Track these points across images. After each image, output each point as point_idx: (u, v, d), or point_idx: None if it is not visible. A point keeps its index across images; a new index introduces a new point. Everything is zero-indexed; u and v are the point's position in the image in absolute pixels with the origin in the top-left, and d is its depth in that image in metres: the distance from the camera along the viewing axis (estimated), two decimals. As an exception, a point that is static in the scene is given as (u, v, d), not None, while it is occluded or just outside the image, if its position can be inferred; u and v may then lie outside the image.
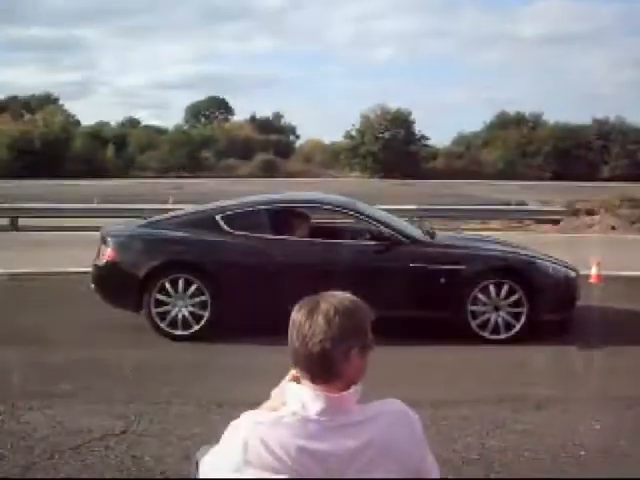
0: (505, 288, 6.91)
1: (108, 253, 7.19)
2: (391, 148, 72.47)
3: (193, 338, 7.03)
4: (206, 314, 7.04)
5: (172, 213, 7.91)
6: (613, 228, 18.89)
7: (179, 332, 7.10)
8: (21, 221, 19.41)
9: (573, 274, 7.26)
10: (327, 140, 79.88)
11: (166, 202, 19.81)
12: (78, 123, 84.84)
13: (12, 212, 19.69)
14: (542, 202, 24.30)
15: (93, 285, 7.44)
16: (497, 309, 6.98)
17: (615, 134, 66.38)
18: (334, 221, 8.65)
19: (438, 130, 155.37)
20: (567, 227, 19.50)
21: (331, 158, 77.10)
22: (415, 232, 7.44)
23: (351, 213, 7.32)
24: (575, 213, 20.35)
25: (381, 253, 7.04)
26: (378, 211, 8.06)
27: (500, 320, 6.96)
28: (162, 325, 7.08)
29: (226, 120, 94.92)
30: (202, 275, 7.01)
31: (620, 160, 64.53)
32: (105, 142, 72.24)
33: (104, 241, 7.36)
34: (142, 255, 7.16)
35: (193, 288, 7.03)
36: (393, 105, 75.64)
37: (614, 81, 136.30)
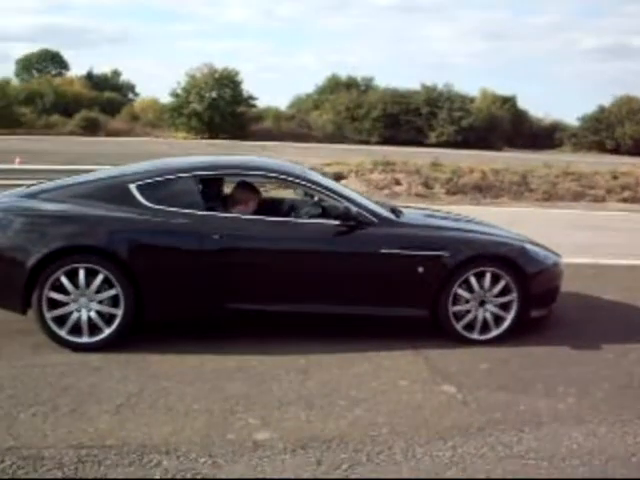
0: (487, 277, 5.66)
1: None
2: (217, 108, 70.88)
3: (105, 346, 5.23)
4: (119, 312, 5.25)
5: (66, 179, 5.93)
6: None
7: (85, 339, 5.27)
8: None
9: (559, 260, 6.13)
10: (165, 100, 76.15)
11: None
12: None
13: None
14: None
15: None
16: (483, 303, 5.73)
17: (442, 101, 68.04)
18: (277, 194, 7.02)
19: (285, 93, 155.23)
20: None
21: (159, 118, 73.98)
22: (382, 209, 6.00)
23: (303, 184, 5.74)
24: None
25: (345, 235, 5.55)
26: (335, 183, 6.52)
27: (489, 316, 5.74)
28: (61, 333, 5.26)
29: (59, 75, 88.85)
30: (110, 262, 5.21)
31: (446, 126, 66.30)
32: None
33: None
34: (25, 239, 5.25)
35: (99, 280, 5.22)
36: (220, 65, 73.66)
37: (461, 52, 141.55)
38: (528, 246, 5.98)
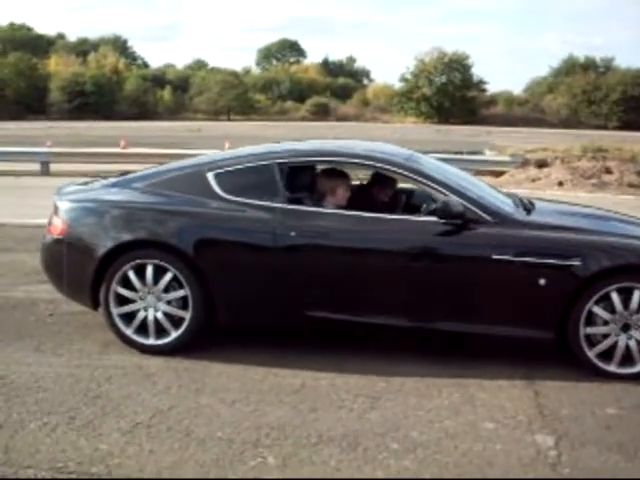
0: (636, 295, 4.43)
1: (58, 226, 4.94)
2: (446, 93, 69.79)
3: (173, 350, 4.74)
4: (187, 315, 4.74)
5: (151, 168, 5.51)
6: (560, 184, 15.90)
7: (151, 341, 4.82)
8: (52, 167, 18.10)
9: None
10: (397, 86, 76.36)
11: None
12: (145, 65, 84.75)
13: (43, 156, 18.47)
14: (499, 153, 21.52)
15: (43, 270, 5.21)
16: (627, 328, 4.52)
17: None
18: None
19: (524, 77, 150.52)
20: (509, 180, 16.54)
21: (389, 103, 74.40)
22: (504, 205, 4.95)
23: (403, 173, 4.84)
24: (524, 164, 17.53)
25: (450, 236, 4.60)
26: (450, 169, 5.52)
27: (633, 344, 4.52)
28: (127, 332, 4.82)
29: (297, 62, 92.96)
30: (178, 259, 4.69)
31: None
32: (165, 84, 71.95)
33: (55, 208, 5.09)
34: (97, 231, 4.87)
35: (167, 278, 4.73)
36: (450, 49, 72.32)
37: None
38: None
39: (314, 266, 4.70)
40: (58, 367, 4.54)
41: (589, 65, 71.39)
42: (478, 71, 72.65)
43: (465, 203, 4.59)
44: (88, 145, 22.73)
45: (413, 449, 3.51)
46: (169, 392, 4.16)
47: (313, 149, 5.34)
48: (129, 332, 4.85)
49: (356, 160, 5.02)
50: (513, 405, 4.06)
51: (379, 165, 4.91)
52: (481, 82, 74.12)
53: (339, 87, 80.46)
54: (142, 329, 4.84)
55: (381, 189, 5.71)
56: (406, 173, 4.82)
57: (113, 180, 5.43)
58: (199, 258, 4.71)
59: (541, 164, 17.01)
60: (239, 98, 68.98)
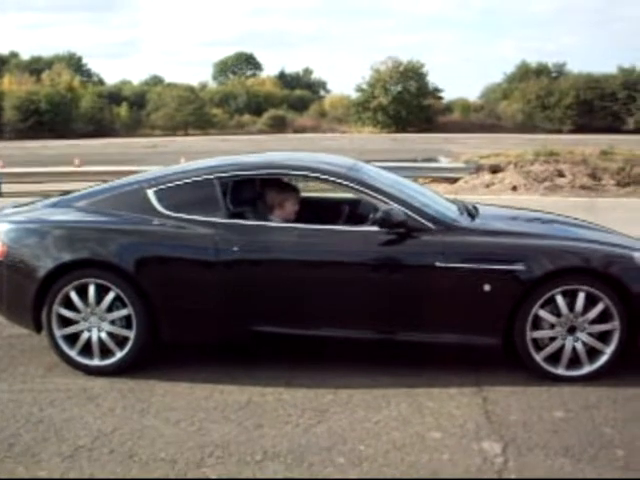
0: (580, 297, 4.46)
1: (-3, 248, 4.83)
2: (402, 101, 70.31)
3: (118, 370, 4.64)
4: (132, 334, 4.64)
5: (92, 187, 5.41)
6: (514, 188, 16.19)
7: (95, 362, 4.72)
8: (4, 187, 17.71)
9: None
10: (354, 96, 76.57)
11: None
12: (101, 82, 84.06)
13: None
14: (454, 159, 21.85)
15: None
16: (573, 330, 4.54)
17: (642, 83, 62.78)
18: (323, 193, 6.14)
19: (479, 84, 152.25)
20: (463, 186, 16.77)
21: (346, 113, 74.65)
22: (448, 211, 4.94)
23: (344, 184, 4.80)
24: (478, 170, 17.79)
25: (394, 246, 4.58)
26: (394, 178, 5.49)
27: (580, 346, 4.54)
28: (71, 353, 4.72)
29: (253, 76, 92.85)
30: (120, 278, 4.61)
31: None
32: (121, 101, 71.30)
33: (-7, 230, 4.99)
34: (37, 252, 4.76)
35: (110, 298, 4.64)
36: (407, 58, 72.94)
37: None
38: (638, 256, 4.65)
39: (257, 281, 4.64)
40: (0, 392, 4.41)
41: (542, 71, 72.45)
42: (436, 80, 73.77)
43: (407, 211, 4.58)
44: (43, 164, 22.37)
45: (359, 463, 3.47)
46: (113, 414, 4.07)
47: (255, 162, 5.28)
48: (73, 354, 4.74)
49: (298, 172, 4.98)
50: (461, 413, 4.04)
51: (321, 176, 4.87)
52: (436, 90, 74.77)
53: (296, 99, 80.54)
54: (86, 350, 4.73)
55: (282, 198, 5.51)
56: (347, 183, 4.78)
57: (54, 200, 5.32)
58: (141, 276, 4.62)
59: (495, 169, 17.16)
60: (196, 113, 68.70)
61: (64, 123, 64.65)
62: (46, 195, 5.99)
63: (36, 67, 77.88)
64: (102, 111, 68.79)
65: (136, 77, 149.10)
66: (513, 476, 3.34)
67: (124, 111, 70.66)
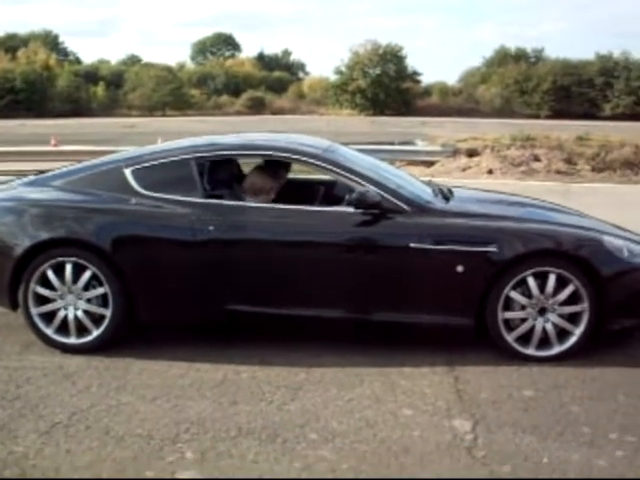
0: (551, 279, 4.55)
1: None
2: (381, 84, 70.28)
3: (94, 348, 4.67)
4: (108, 313, 4.67)
5: (69, 166, 5.41)
6: (490, 172, 16.22)
7: (72, 340, 4.74)
8: None
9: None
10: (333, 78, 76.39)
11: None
12: (78, 61, 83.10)
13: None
14: (431, 143, 22.02)
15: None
16: (543, 311, 4.63)
17: (619, 70, 63.19)
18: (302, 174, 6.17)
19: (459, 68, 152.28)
20: (439, 170, 16.71)
21: (325, 96, 74.51)
22: (422, 193, 5.01)
23: (320, 165, 4.84)
24: (455, 154, 17.90)
25: (368, 226, 4.64)
26: (369, 160, 5.54)
27: (550, 327, 4.63)
28: (48, 331, 4.74)
29: (232, 57, 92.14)
30: (97, 257, 4.63)
31: (623, 97, 61.59)
32: (98, 81, 70.55)
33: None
34: (14, 230, 4.78)
35: (87, 276, 4.66)
36: (387, 41, 72.78)
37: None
38: (608, 239, 4.76)
39: (233, 260, 4.67)
40: (-26, 371, 4.43)
41: (520, 56, 72.76)
42: (415, 63, 73.66)
43: (382, 193, 4.63)
44: (19, 144, 22.15)
45: (332, 439, 3.54)
46: (89, 391, 4.10)
47: (232, 143, 5.30)
48: (49, 332, 4.76)
49: (273, 153, 5.01)
50: (433, 391, 4.12)
51: (296, 157, 4.91)
52: (415, 73, 74.82)
53: (275, 80, 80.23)
54: (63, 328, 4.76)
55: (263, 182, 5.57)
56: (323, 165, 4.82)
57: (31, 179, 5.32)
58: (118, 255, 4.64)
59: (471, 153, 17.27)
60: (174, 93, 68.20)
61: (40, 102, 63.89)
62: (22, 174, 5.95)
63: (11, 44, 76.72)
64: (79, 90, 68.11)
65: (114, 57, 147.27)
66: (482, 453, 3.43)
67: (101, 90, 70.03)
